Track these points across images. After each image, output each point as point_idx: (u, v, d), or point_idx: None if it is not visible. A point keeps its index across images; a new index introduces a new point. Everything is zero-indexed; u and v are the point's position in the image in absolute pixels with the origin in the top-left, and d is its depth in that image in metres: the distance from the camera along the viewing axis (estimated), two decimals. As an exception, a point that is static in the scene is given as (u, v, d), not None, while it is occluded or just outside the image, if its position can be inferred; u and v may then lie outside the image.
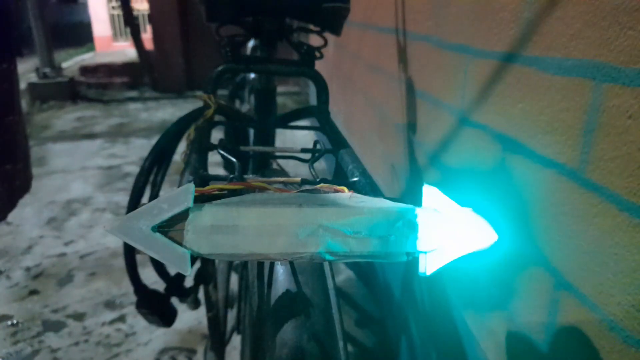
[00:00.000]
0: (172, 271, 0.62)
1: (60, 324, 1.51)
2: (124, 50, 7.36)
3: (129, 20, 5.05)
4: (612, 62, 0.48)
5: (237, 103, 1.52)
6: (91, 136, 3.66)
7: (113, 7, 8.14)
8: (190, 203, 0.27)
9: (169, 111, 4.54)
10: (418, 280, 1.13)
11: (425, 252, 0.30)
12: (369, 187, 0.42)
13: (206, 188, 0.30)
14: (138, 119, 4.25)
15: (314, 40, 0.69)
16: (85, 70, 5.33)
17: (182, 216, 0.27)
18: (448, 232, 0.30)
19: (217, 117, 0.61)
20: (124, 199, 2.48)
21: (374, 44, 1.54)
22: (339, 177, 0.50)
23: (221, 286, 0.74)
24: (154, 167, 0.55)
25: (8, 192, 0.92)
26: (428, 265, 0.30)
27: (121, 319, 1.54)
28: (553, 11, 0.58)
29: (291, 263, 0.40)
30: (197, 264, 0.67)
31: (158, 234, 0.27)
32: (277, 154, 0.58)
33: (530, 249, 0.63)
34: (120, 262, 1.88)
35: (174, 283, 0.61)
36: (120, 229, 0.27)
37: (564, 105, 0.55)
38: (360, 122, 1.88)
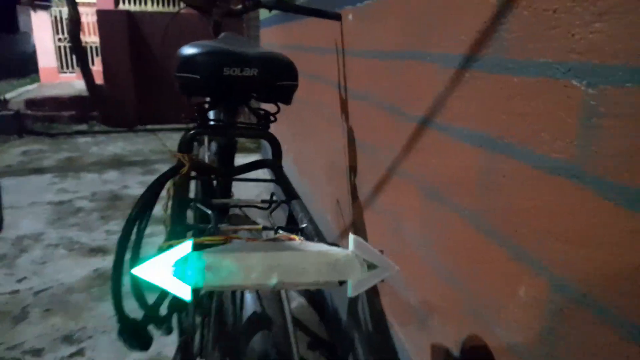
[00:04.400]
0: (150, 301, 0.73)
1: (17, 361, 1.54)
2: (71, 82, 7.28)
3: (78, 54, 5.06)
4: (496, 136, 0.65)
5: (195, 145, 1.64)
6: (40, 171, 3.63)
7: (59, 39, 8.06)
8: (189, 252, 0.40)
9: (120, 145, 4.54)
10: (362, 306, 1.27)
11: (351, 281, 0.44)
12: (314, 232, 0.55)
13: (200, 239, 0.43)
14: (88, 153, 4.24)
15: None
16: (31, 103, 5.25)
17: (185, 261, 0.40)
18: (366, 267, 0.44)
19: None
20: (77, 234, 2.50)
21: (321, 93, 1.71)
22: (291, 223, 0.64)
23: (190, 314, 0.85)
24: (138, 218, 0.66)
25: (-17, 234, 1.00)
26: (353, 290, 0.44)
27: (80, 352, 1.58)
28: (455, 91, 0.75)
29: (257, 291, 0.53)
30: (170, 296, 0.78)
31: (170, 274, 0.39)
32: (243, 204, 0.71)
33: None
34: (76, 298, 1.91)
35: (152, 312, 0.72)
36: (144, 271, 0.39)
37: (466, 164, 0.72)
38: (309, 161, 2.04)
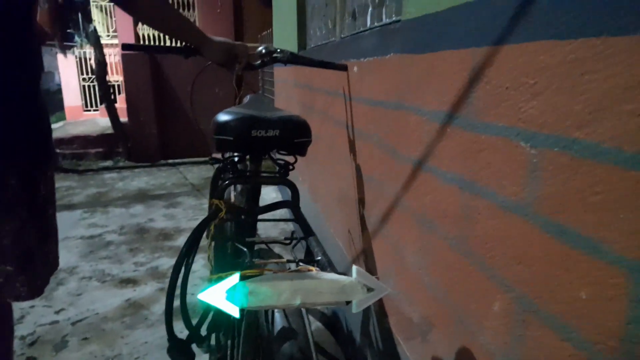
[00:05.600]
0: (193, 322, 0.88)
1: (61, 386, 1.69)
2: (95, 119, 7.59)
3: (105, 94, 5.36)
4: (471, 180, 0.80)
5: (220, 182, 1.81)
6: (70, 207, 3.84)
7: (84, 79, 8.46)
8: (237, 282, 0.56)
9: (144, 179, 4.77)
10: (373, 326, 1.41)
11: (354, 301, 0.59)
12: (327, 264, 0.71)
13: (244, 272, 0.59)
14: (114, 188, 4.46)
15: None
16: (60, 141, 5.55)
17: (234, 288, 0.56)
18: (366, 290, 0.59)
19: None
20: (108, 266, 2.67)
21: (330, 129, 1.88)
22: (309, 256, 0.79)
23: (229, 334, 1.00)
24: (187, 255, 0.82)
25: (45, 269, 1.16)
26: (356, 307, 0.60)
27: (117, 378, 1.73)
28: (440, 141, 0.91)
29: (284, 311, 0.68)
30: (209, 318, 0.93)
31: (223, 298, 0.55)
32: (270, 241, 0.87)
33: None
34: (110, 326, 2.07)
35: (195, 331, 0.87)
36: (206, 296, 0.55)
37: (450, 201, 0.87)
38: (323, 192, 2.20)
